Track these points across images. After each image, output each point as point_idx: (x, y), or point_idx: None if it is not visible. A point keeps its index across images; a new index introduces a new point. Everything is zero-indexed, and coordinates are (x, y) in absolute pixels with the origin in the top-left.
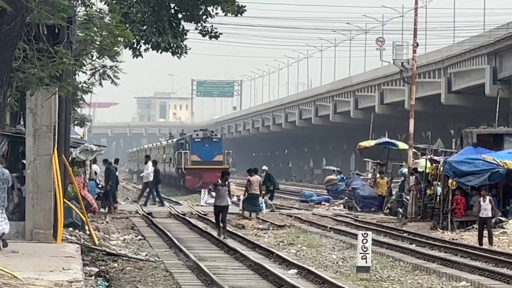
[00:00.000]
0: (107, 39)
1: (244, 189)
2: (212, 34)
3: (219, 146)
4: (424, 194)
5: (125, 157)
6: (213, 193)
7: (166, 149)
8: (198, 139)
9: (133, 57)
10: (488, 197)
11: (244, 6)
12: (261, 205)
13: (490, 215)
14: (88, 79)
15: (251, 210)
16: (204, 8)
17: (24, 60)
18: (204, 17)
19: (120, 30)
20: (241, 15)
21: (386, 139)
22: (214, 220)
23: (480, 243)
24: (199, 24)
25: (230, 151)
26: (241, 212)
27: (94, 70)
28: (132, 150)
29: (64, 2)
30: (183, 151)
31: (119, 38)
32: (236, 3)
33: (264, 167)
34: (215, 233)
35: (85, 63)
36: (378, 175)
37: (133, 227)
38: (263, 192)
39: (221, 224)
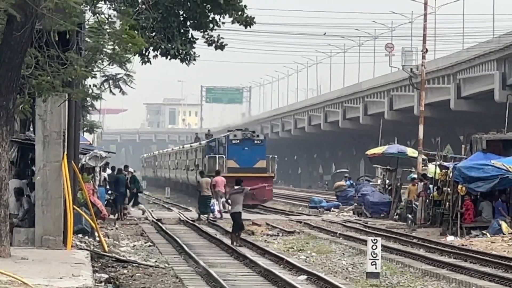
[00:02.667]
0: (118, 45)
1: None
2: (218, 44)
3: (261, 149)
4: (432, 199)
5: (135, 163)
6: (229, 201)
7: (190, 153)
8: (236, 140)
9: (142, 64)
10: None
11: (253, 18)
12: (212, 207)
13: None
14: (100, 86)
15: (202, 212)
16: (212, 16)
17: (35, 67)
18: (211, 25)
19: (131, 37)
20: (250, 27)
21: (395, 145)
22: (230, 229)
23: None
24: (205, 33)
25: (275, 156)
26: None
27: (105, 78)
28: (148, 155)
29: (77, 7)
30: (217, 156)
31: (129, 45)
32: (246, 15)
33: (130, 169)
34: (226, 240)
35: (94, 70)
36: (410, 182)
37: (143, 234)
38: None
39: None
